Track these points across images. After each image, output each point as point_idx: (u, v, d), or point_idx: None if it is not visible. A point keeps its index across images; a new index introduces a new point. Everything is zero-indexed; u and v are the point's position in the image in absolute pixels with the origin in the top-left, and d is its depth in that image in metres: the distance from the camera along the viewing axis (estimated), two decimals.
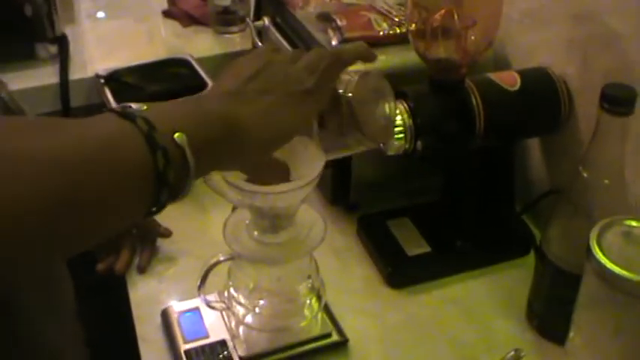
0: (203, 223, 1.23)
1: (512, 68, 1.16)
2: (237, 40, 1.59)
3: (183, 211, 1.24)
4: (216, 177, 0.88)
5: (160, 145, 0.60)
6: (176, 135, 0.62)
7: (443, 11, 0.95)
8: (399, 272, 1.08)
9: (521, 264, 1.12)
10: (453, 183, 1.13)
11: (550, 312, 0.99)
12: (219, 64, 1.50)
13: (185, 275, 1.11)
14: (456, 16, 0.95)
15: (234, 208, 0.96)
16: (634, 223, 0.81)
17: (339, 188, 1.16)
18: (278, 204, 0.86)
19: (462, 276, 1.10)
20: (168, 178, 0.61)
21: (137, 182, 0.61)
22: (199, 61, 1.44)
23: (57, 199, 0.55)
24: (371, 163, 1.12)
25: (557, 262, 0.94)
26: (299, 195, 0.85)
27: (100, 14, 1.79)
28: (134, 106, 0.65)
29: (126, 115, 0.62)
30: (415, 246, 1.11)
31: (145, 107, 0.65)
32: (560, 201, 0.94)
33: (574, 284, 0.87)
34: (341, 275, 1.10)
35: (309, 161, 0.86)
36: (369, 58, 0.82)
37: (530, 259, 1.10)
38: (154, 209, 0.63)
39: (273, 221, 0.89)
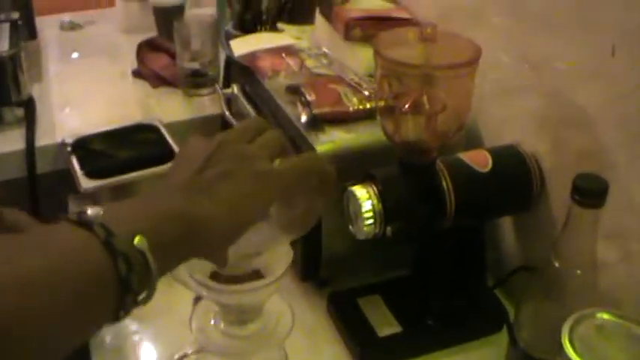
0: (170, 297, 1.20)
1: (483, 144, 1.15)
2: (207, 103, 1.57)
3: None
4: (181, 271, 0.86)
5: (120, 251, 0.59)
6: (136, 240, 0.60)
7: (412, 96, 0.94)
8: (370, 354, 1.06)
9: (493, 341, 1.10)
10: (423, 260, 1.12)
11: None
12: (188, 129, 1.48)
13: (151, 354, 1.09)
14: (425, 101, 0.94)
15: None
16: (606, 316, 0.80)
17: (310, 264, 1.14)
18: (244, 301, 0.85)
19: (434, 355, 1.08)
20: (132, 284, 0.60)
21: (101, 291, 0.59)
22: (168, 126, 1.42)
23: (23, 319, 0.54)
24: (341, 238, 1.09)
25: (528, 348, 0.92)
26: (266, 292, 0.83)
27: (68, 73, 1.77)
28: (90, 211, 0.62)
29: (82, 223, 0.60)
30: (386, 325, 1.09)
31: (102, 212, 0.62)
32: (531, 286, 0.93)
33: None
34: (311, 355, 1.08)
35: (278, 254, 0.85)
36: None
37: (503, 335, 1.09)
38: (122, 314, 0.62)
39: (240, 315, 0.87)
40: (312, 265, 1.14)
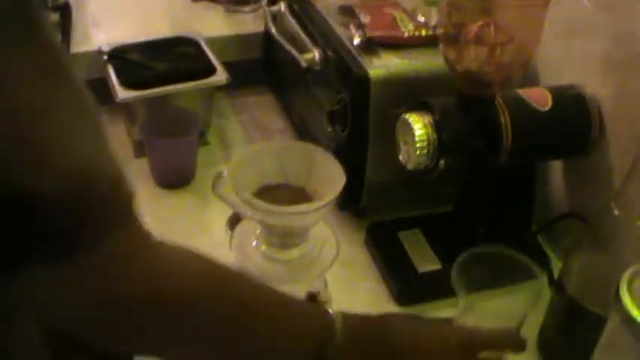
0: (203, 217, 1.17)
1: (539, 83, 1.10)
2: (249, 21, 1.51)
3: (182, 203, 1.18)
4: (227, 186, 0.83)
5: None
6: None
7: (478, 24, 0.89)
8: (409, 290, 1.04)
9: (532, 287, 1.07)
10: (469, 196, 1.08)
11: (563, 347, 0.95)
12: (228, 45, 1.43)
13: None
14: (492, 30, 0.89)
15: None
16: None
17: (351, 193, 1.10)
18: (292, 223, 0.81)
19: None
20: None
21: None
22: (208, 41, 1.36)
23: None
24: (387, 167, 1.06)
25: (577, 297, 0.89)
26: (315, 216, 0.80)
27: None
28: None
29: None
30: (425, 261, 1.06)
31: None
32: (585, 233, 0.90)
33: (593, 322, 0.83)
34: (347, 288, 1.05)
35: (330, 177, 0.81)
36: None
37: (542, 282, 1.06)
38: None
39: (284, 239, 0.84)
40: (354, 195, 1.10)
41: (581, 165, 1.07)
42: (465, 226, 1.08)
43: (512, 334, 0.85)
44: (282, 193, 0.82)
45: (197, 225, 1.16)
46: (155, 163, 1.23)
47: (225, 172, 0.82)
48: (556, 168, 1.12)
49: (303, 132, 1.31)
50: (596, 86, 1.01)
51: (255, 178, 0.82)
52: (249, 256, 0.85)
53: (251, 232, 0.87)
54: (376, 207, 1.15)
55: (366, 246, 1.12)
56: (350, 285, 1.06)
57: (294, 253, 0.85)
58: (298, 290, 0.90)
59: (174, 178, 1.23)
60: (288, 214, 0.78)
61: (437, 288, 1.04)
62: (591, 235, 0.89)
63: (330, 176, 0.81)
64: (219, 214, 1.05)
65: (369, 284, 1.07)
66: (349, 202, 1.12)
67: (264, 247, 0.85)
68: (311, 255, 0.85)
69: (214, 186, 0.85)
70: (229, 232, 0.95)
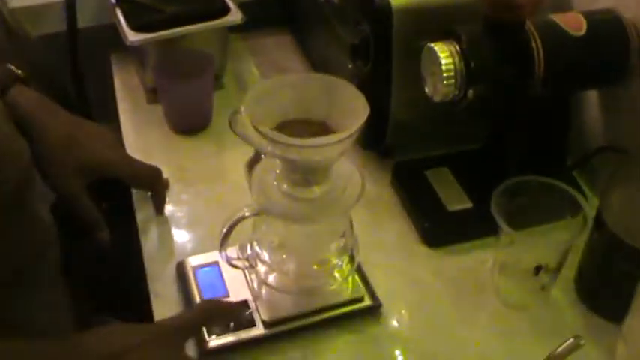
0: (220, 162, 1.13)
1: (572, 7, 1.04)
2: None
3: (198, 149, 1.15)
4: (244, 124, 0.78)
5: None
6: None
7: None
8: (438, 229, 1.00)
9: (567, 225, 1.02)
10: (500, 132, 1.03)
11: (603, 284, 0.90)
12: None
13: (201, 223, 1.02)
14: None
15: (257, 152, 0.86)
16: None
17: (375, 131, 1.06)
18: (313, 158, 0.76)
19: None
20: None
21: None
22: None
23: None
24: (412, 104, 1.01)
25: (617, 231, 0.84)
26: (337, 149, 0.75)
27: None
28: None
29: None
30: (455, 200, 1.01)
31: None
32: (626, 165, 0.85)
33: (634, 257, 0.81)
34: (373, 229, 1.02)
35: (352, 109, 0.76)
36: None
37: (578, 221, 1.01)
38: None
39: (306, 176, 0.79)
40: (378, 133, 1.06)
41: (618, 94, 1.01)
42: (496, 162, 1.03)
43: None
44: (303, 128, 0.77)
45: (215, 170, 1.12)
46: (169, 108, 1.19)
47: (242, 109, 0.78)
48: (591, 99, 1.07)
49: (322, 71, 1.26)
50: (634, 9, 0.95)
51: (273, 113, 0.77)
52: (269, 196, 0.80)
53: (271, 171, 0.82)
54: (402, 145, 1.11)
55: (392, 186, 1.08)
56: (376, 226, 1.02)
57: (316, 191, 0.80)
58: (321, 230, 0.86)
59: (190, 122, 1.19)
60: (310, 147, 0.73)
61: (468, 227, 1.01)
62: (631, 168, 0.85)
63: (353, 108, 0.76)
64: (237, 159, 1.01)
65: (396, 225, 1.03)
66: (374, 140, 1.08)
67: (285, 185, 0.80)
68: (334, 193, 0.80)
69: (231, 123, 0.81)
70: (249, 176, 0.91)
